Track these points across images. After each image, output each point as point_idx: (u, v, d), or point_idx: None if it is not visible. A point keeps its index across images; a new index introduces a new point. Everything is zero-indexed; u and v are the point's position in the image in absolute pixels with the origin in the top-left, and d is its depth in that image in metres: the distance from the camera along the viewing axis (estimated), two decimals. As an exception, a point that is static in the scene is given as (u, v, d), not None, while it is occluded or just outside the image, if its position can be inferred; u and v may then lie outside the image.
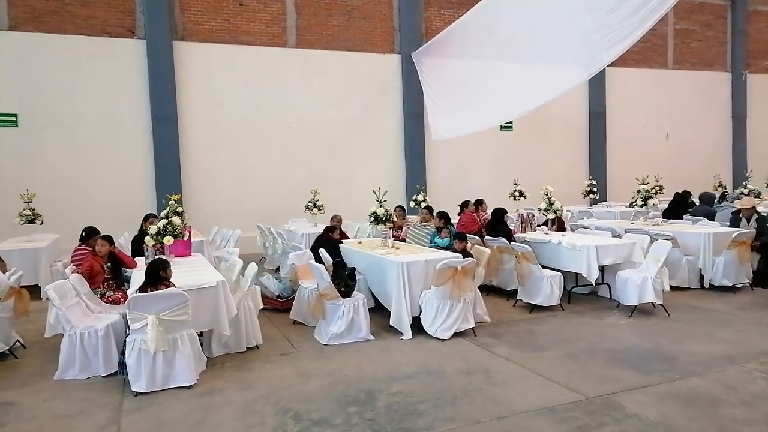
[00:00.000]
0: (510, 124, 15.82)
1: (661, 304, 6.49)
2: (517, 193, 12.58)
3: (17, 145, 11.62)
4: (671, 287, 7.65)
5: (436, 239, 7.33)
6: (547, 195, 8.09)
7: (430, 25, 14.86)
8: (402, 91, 14.75)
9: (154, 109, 12.49)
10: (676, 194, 10.41)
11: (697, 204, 10.28)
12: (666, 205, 10.55)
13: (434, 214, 8.07)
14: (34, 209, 9.34)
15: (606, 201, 15.84)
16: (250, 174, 13.36)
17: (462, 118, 12.48)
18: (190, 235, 7.11)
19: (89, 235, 6.41)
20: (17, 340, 5.73)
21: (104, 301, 5.77)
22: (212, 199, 12.99)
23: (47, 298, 5.14)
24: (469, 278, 5.79)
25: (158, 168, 12.54)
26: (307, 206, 11.37)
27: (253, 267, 5.83)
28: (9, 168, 11.46)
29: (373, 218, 7.13)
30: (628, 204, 10.15)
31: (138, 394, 4.42)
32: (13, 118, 11.65)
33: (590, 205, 15.01)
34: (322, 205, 11.37)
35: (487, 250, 6.61)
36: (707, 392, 4.21)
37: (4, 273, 5.80)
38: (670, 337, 5.64)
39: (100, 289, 5.89)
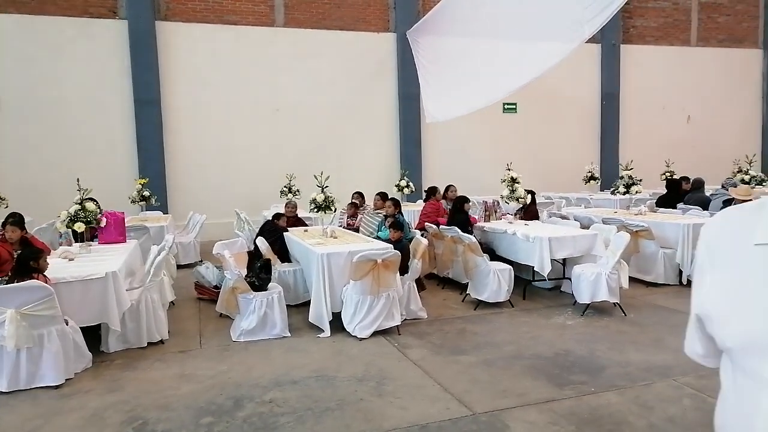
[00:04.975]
0: (513, 106, 15.01)
1: (617, 303, 5.83)
2: (509, 179, 11.86)
3: (-1, 129, 11.61)
4: (646, 283, 7.04)
5: (382, 228, 6.81)
6: (511, 180, 7.47)
7: (427, 1, 14.13)
8: (397, 72, 14.09)
9: (137, 91, 12.26)
10: (668, 181, 9.55)
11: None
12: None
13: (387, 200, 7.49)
14: (-2, 194, 9.28)
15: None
16: (236, 158, 13.02)
17: (453, 100, 11.87)
18: (123, 221, 6.81)
19: (5, 221, 6.15)
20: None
21: (11, 291, 5.50)
22: (196, 183, 12.73)
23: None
24: (391, 272, 5.27)
25: (141, 152, 12.33)
26: (282, 192, 10.99)
27: (160, 256, 5.46)
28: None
29: (313, 205, 6.67)
30: (610, 191, 9.33)
31: (-1, 393, 4.13)
32: None
33: (601, 191, 14.11)
34: (298, 191, 10.99)
35: (424, 241, 6.05)
36: (614, 412, 3.61)
37: None
38: (613, 342, 5.01)
39: (7, 278, 5.62)
